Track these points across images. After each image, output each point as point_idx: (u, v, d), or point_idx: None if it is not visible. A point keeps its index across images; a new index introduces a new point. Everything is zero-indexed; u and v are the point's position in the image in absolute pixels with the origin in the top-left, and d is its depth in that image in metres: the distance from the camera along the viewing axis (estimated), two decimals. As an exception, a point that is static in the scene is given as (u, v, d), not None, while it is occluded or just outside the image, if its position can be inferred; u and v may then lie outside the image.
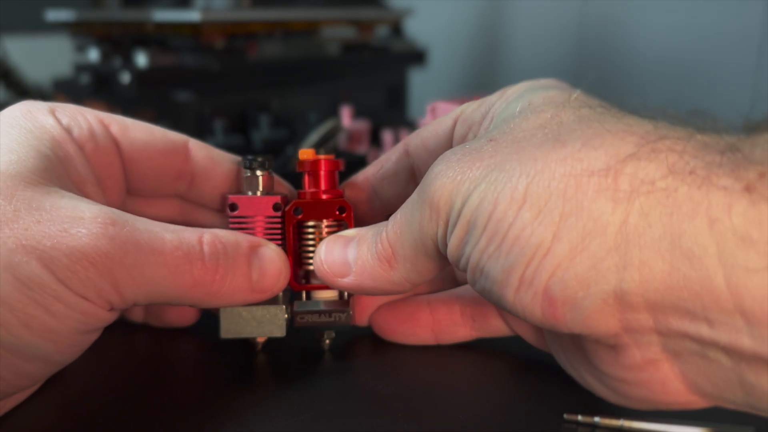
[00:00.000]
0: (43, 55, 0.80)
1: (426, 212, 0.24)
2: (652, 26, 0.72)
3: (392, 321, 0.31)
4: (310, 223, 0.29)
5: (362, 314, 0.31)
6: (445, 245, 0.24)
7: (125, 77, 0.59)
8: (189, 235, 0.25)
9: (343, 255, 0.27)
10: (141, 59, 0.60)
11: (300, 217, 0.29)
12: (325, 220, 0.29)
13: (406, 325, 0.31)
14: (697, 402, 0.22)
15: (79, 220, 0.23)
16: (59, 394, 0.27)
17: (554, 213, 0.21)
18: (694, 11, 0.68)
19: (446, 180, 0.23)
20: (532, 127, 0.23)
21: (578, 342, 0.24)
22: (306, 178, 0.30)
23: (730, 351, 0.20)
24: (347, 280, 0.27)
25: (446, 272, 0.32)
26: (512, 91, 0.27)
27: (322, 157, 0.30)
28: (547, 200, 0.21)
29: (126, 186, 0.30)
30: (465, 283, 0.32)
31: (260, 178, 0.29)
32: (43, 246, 0.22)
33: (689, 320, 0.20)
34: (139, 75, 0.59)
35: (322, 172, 0.30)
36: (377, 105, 0.76)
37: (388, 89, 0.78)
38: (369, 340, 0.31)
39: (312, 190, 0.30)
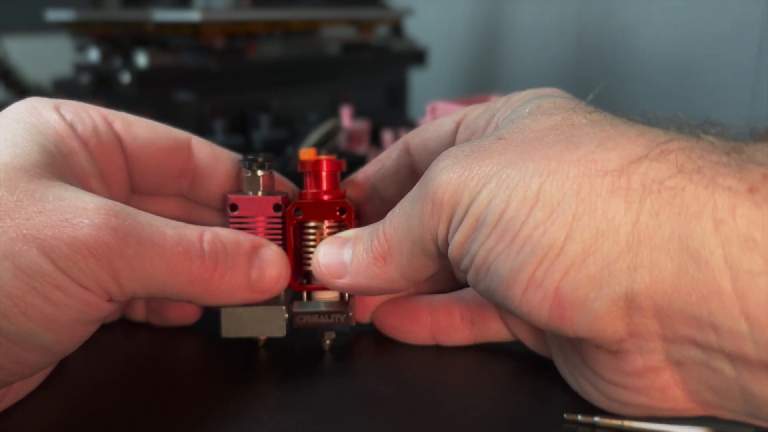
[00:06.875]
0: (43, 55, 0.80)
1: (427, 207, 0.24)
2: (651, 23, 0.72)
3: (392, 317, 0.31)
4: (311, 224, 0.29)
5: (365, 311, 0.31)
6: (445, 242, 0.24)
7: (125, 77, 0.59)
8: (190, 232, 0.25)
9: (339, 256, 0.27)
10: (141, 59, 0.60)
11: (300, 217, 0.29)
12: (326, 221, 0.29)
13: (404, 322, 0.31)
14: (695, 410, 0.22)
15: (81, 211, 0.23)
16: (59, 394, 0.27)
17: (567, 213, 0.21)
18: (694, 10, 0.68)
19: (453, 175, 0.23)
20: (543, 128, 0.23)
21: (578, 346, 0.24)
22: (307, 179, 0.30)
23: (735, 359, 0.20)
24: (343, 281, 0.27)
25: (448, 273, 0.32)
26: (517, 98, 0.27)
27: (323, 157, 0.30)
28: (560, 200, 0.21)
29: (130, 183, 0.30)
30: (466, 285, 0.32)
31: (261, 179, 0.29)
32: (44, 235, 0.22)
33: (696, 326, 0.20)
34: (139, 75, 0.59)
35: (324, 173, 0.30)
36: (377, 105, 0.76)
37: (388, 89, 0.78)
38: (369, 340, 0.31)
39: (313, 190, 0.30)
